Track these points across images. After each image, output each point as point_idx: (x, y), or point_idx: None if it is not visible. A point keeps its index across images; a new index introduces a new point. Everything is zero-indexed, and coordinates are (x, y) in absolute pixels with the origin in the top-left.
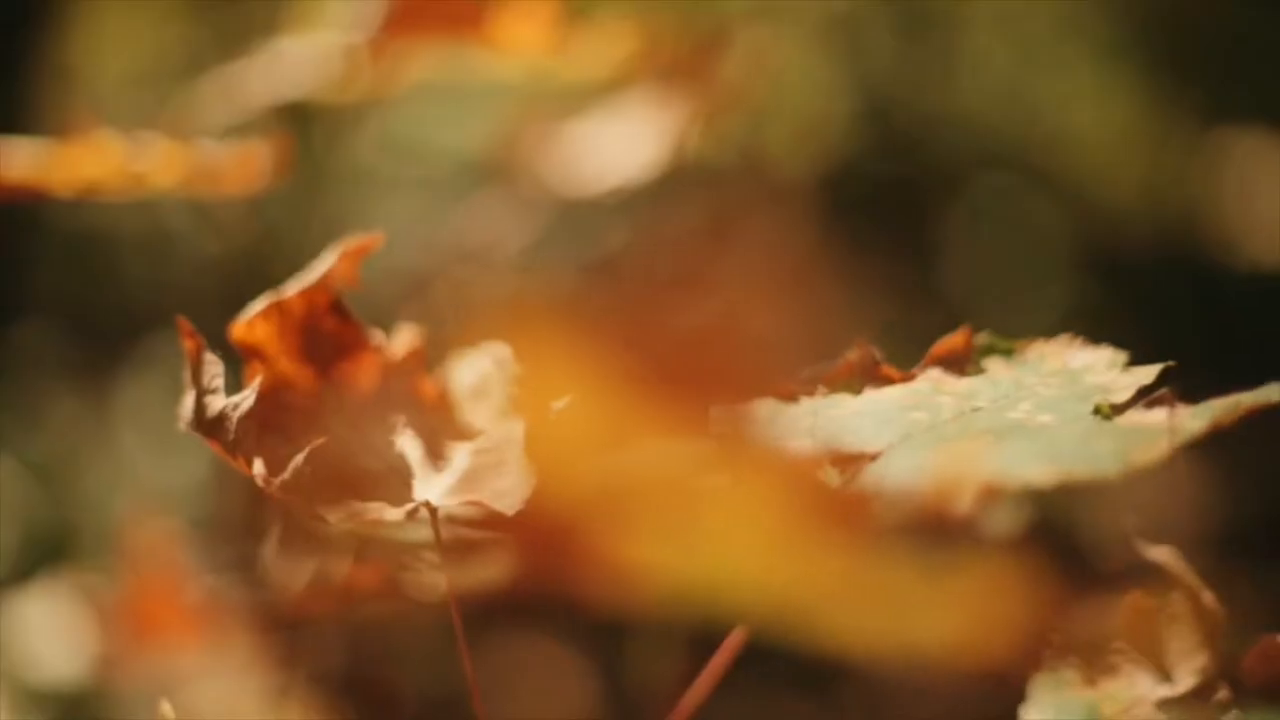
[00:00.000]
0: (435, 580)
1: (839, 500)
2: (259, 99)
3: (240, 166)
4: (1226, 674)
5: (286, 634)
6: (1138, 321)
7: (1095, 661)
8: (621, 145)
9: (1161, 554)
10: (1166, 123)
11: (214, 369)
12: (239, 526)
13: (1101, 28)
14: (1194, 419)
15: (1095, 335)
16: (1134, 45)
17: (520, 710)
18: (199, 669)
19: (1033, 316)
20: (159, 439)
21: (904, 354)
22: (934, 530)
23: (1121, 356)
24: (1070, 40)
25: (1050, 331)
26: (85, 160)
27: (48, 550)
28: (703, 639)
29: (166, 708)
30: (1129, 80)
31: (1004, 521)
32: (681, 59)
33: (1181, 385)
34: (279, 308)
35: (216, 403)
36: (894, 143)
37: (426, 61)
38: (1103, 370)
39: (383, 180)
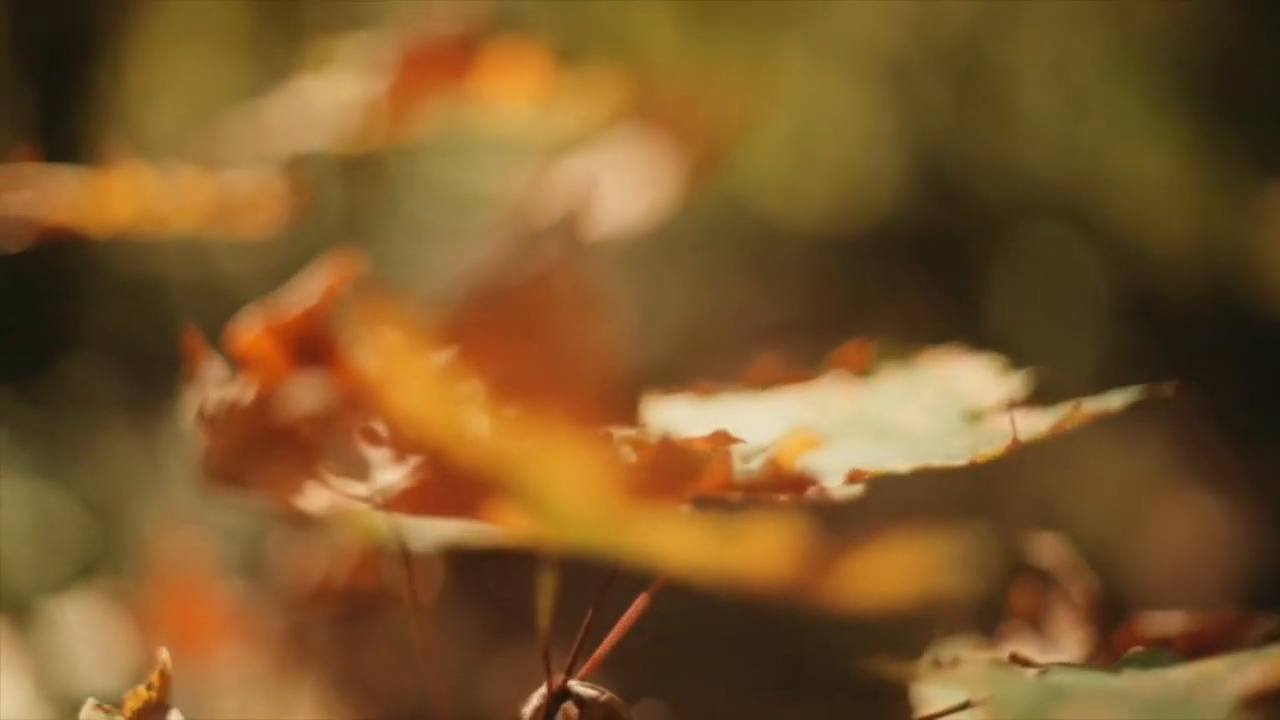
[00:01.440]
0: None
1: (665, 467)
2: (279, 144)
3: (260, 205)
4: (1103, 646)
5: (298, 635)
6: (1183, 367)
7: (991, 631)
8: (615, 194)
9: (1050, 543)
10: (1213, 172)
11: (217, 371)
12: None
13: (1152, 78)
14: (1038, 421)
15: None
16: (1183, 95)
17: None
18: (229, 674)
19: (1077, 362)
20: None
21: None
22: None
23: (1000, 365)
24: (1121, 90)
25: (1096, 377)
26: (118, 192)
27: (95, 577)
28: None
29: (165, 654)
30: (1177, 130)
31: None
32: (672, 107)
33: (1225, 428)
34: (274, 325)
35: (216, 399)
36: (943, 191)
37: (435, 115)
38: (979, 378)
39: (401, 224)
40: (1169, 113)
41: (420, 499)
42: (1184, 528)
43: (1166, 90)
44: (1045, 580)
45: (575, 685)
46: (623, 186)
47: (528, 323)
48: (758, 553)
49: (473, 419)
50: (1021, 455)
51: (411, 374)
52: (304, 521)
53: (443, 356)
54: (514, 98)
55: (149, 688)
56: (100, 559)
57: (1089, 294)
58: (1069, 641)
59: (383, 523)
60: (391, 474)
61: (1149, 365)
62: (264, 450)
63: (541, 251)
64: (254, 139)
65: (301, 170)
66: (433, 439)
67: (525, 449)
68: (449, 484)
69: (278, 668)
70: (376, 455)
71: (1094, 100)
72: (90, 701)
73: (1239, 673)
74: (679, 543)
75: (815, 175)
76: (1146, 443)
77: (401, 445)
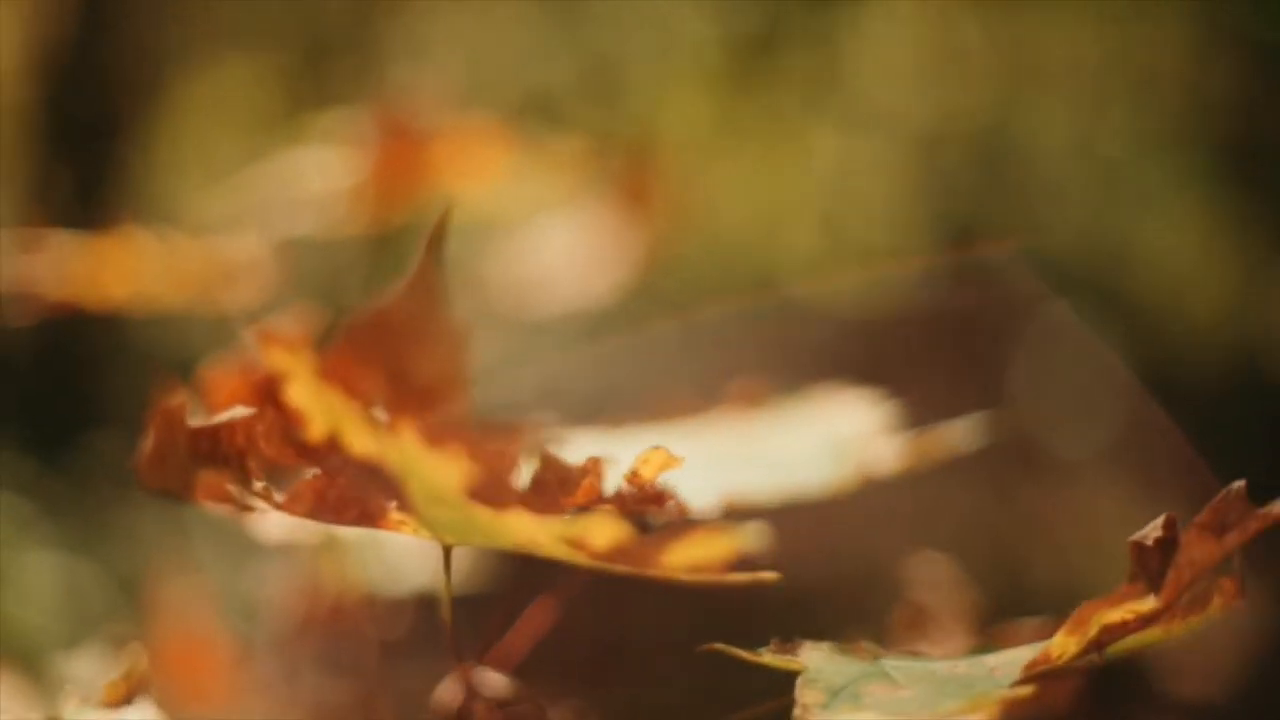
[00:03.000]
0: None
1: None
2: (270, 222)
3: (249, 280)
4: (979, 651)
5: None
6: (1206, 441)
7: (879, 638)
8: (574, 267)
9: (932, 560)
10: (1239, 247)
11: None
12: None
13: (1178, 153)
14: (894, 455)
15: (1160, 454)
16: (1210, 170)
17: None
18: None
19: (1100, 437)
20: (231, 549)
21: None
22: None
23: (877, 401)
24: (1147, 165)
25: (1116, 452)
26: (117, 263)
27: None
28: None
29: (138, 649)
30: (1203, 205)
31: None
32: (629, 179)
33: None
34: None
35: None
36: (970, 269)
37: (413, 198)
38: (855, 413)
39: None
40: (1195, 187)
41: (311, 501)
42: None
43: (1193, 165)
44: (930, 593)
45: (483, 674)
46: (580, 259)
47: (388, 346)
48: (593, 539)
49: (354, 429)
50: (1041, 517)
51: (301, 390)
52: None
53: (326, 374)
54: (480, 176)
55: (125, 678)
56: (128, 632)
57: (1112, 369)
58: (948, 649)
59: (355, 562)
60: (293, 479)
61: (1172, 440)
62: (189, 456)
63: (405, 284)
64: (247, 213)
65: (290, 251)
66: (319, 446)
67: (402, 458)
68: (336, 487)
69: (273, 710)
70: (280, 461)
71: (1120, 175)
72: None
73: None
74: (536, 534)
75: (842, 255)
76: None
77: (297, 452)
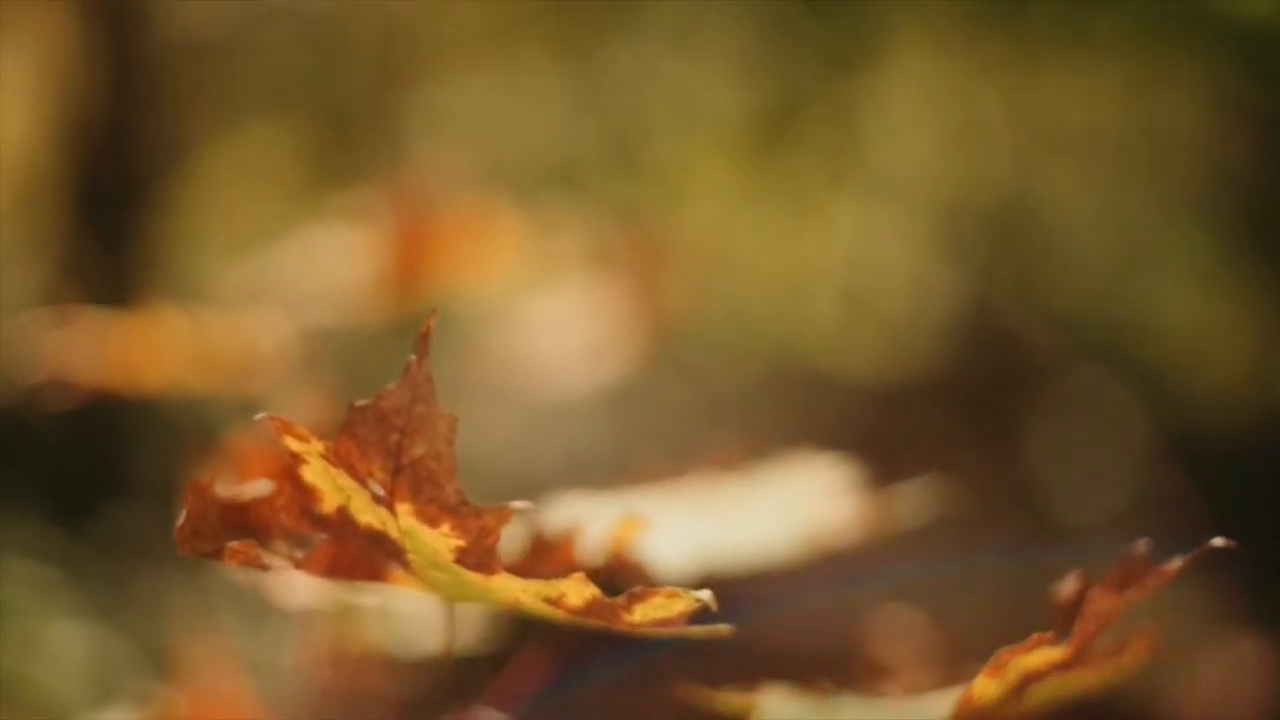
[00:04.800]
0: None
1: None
2: (290, 307)
3: (270, 366)
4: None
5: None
6: (1225, 510)
7: (848, 673)
8: (590, 342)
9: (897, 611)
10: (1256, 313)
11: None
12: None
13: (1198, 220)
14: (857, 519)
15: (1181, 522)
16: (1229, 237)
17: None
18: None
19: (1115, 503)
20: (254, 614)
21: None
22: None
23: (837, 465)
24: (1166, 234)
25: (1133, 517)
26: (147, 350)
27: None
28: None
29: None
30: (1222, 272)
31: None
32: (645, 255)
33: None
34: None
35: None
36: (990, 337)
37: (428, 284)
38: (817, 477)
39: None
40: (1213, 255)
41: (326, 563)
42: (1218, 672)
43: (1211, 233)
44: (896, 638)
45: (484, 713)
46: (586, 339)
47: (385, 434)
48: (569, 599)
49: (360, 504)
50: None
51: (313, 471)
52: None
53: (333, 457)
54: (498, 256)
55: None
56: (153, 696)
57: (1132, 437)
58: (916, 684)
59: (373, 626)
60: (308, 544)
61: (1192, 508)
62: (220, 526)
63: (399, 381)
64: (270, 291)
65: (312, 334)
66: (331, 518)
67: (401, 530)
68: (348, 552)
69: None
70: (298, 530)
71: (1139, 243)
72: None
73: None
74: (519, 594)
75: (864, 324)
76: (1183, 584)
77: (312, 523)
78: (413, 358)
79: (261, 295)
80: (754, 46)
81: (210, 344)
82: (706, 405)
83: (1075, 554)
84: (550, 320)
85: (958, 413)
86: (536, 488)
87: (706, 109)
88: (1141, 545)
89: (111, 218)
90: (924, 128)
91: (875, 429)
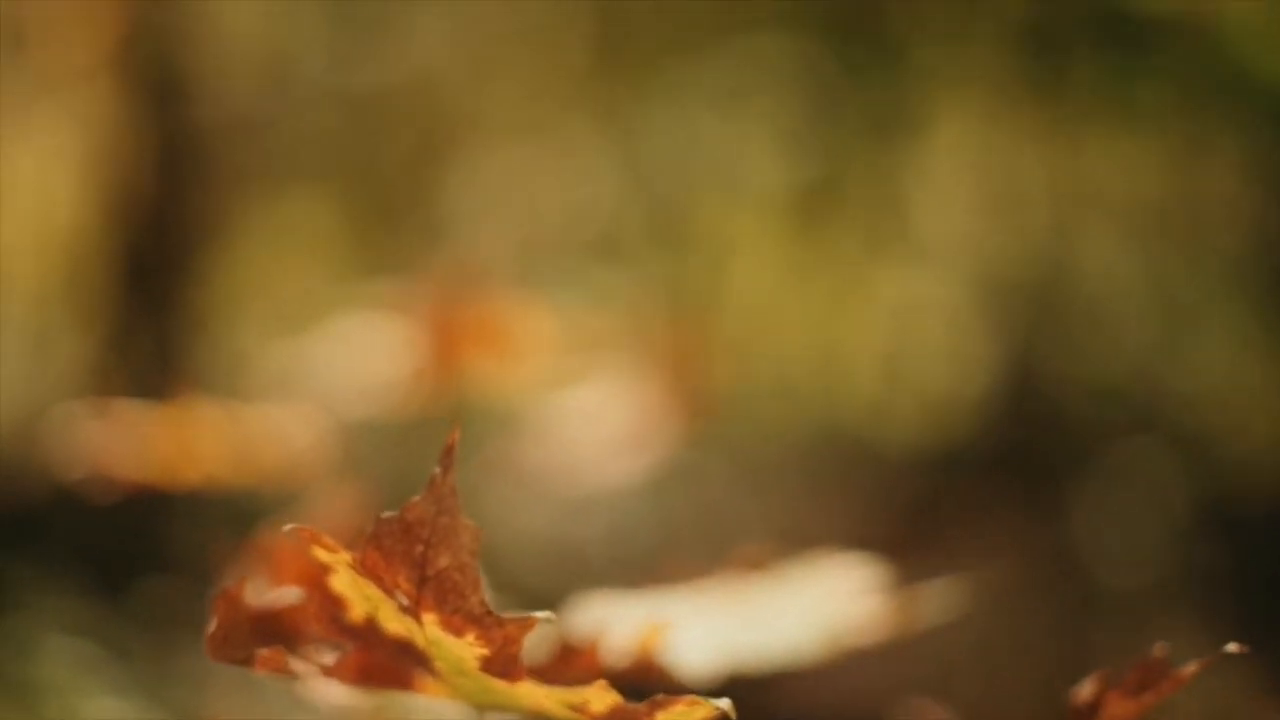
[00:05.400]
0: None
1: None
2: (323, 400)
3: (305, 462)
4: None
5: None
6: (1265, 573)
7: None
8: (612, 436)
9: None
10: None
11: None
12: None
13: (1237, 289)
14: (882, 619)
15: (1220, 589)
16: (1269, 306)
17: None
18: None
19: (1158, 573)
20: (291, 697)
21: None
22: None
23: (865, 564)
24: (1206, 302)
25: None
26: (186, 437)
27: None
28: None
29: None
30: (1263, 339)
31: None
32: (669, 351)
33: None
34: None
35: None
36: (1029, 404)
37: (464, 385)
38: (842, 575)
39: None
40: (1254, 322)
41: (355, 671)
42: None
43: (1251, 300)
44: None
45: None
46: (620, 429)
47: (410, 546)
48: (592, 706)
49: (387, 614)
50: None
51: (341, 580)
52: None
53: (360, 568)
54: (526, 351)
55: None
56: None
57: (1173, 504)
58: None
59: None
60: (337, 652)
61: (1230, 574)
62: (250, 633)
63: (423, 493)
64: (306, 383)
65: (347, 429)
66: (359, 627)
67: (427, 639)
68: (376, 660)
69: None
70: (327, 638)
71: (1179, 311)
72: None
73: None
74: (544, 701)
75: (904, 395)
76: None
77: (341, 631)
78: (437, 470)
79: (298, 387)
80: (797, 116)
81: (247, 440)
82: (746, 481)
83: (1116, 623)
84: (588, 408)
85: (998, 482)
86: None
87: (749, 180)
88: (1159, 649)
89: (155, 292)
90: (966, 197)
91: (916, 500)
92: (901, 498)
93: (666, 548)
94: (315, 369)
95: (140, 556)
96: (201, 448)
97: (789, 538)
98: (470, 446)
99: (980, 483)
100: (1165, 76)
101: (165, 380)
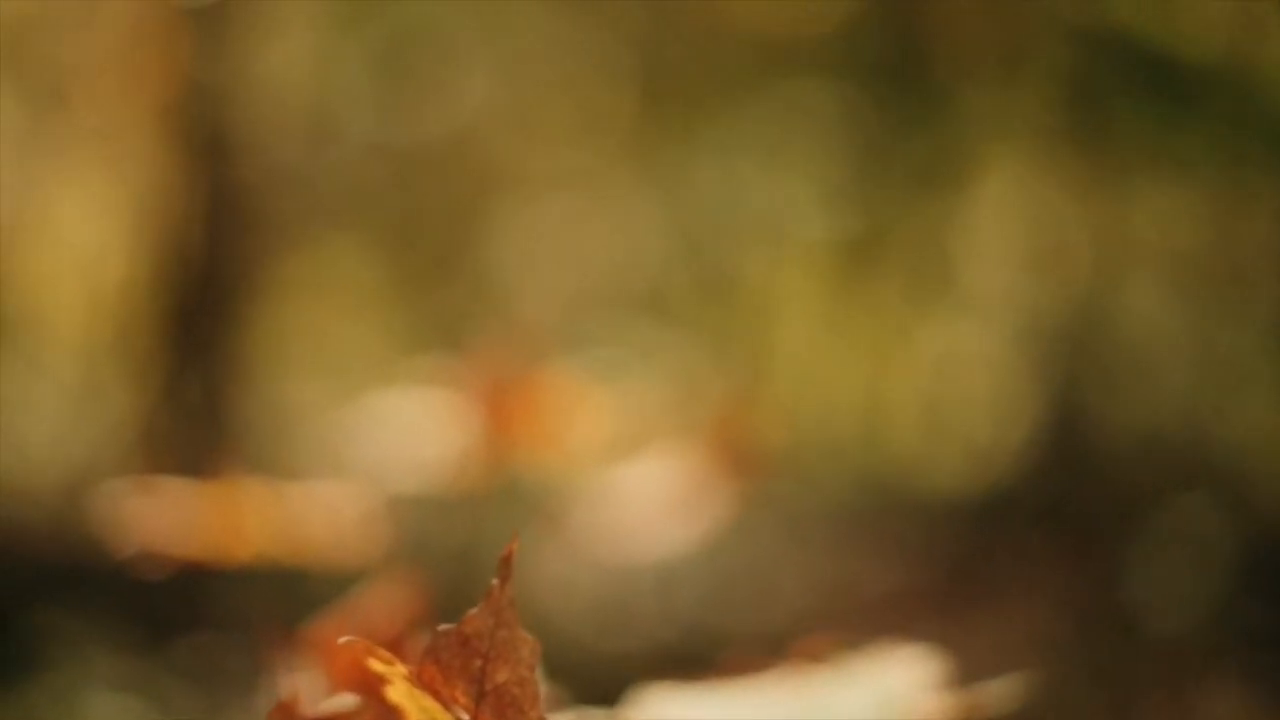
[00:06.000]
0: None
1: None
2: (373, 474)
3: (356, 538)
4: None
5: None
6: None
7: None
8: (664, 516)
9: None
10: None
11: (292, 665)
12: None
13: (1276, 336)
14: (943, 713)
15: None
16: None
17: None
18: None
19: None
20: None
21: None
22: None
23: (925, 657)
24: (1246, 349)
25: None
26: (234, 516)
27: None
28: None
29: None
30: None
31: None
32: (719, 424)
33: None
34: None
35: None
36: (1069, 454)
37: (511, 463)
38: (903, 670)
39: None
40: None
41: None
42: None
43: None
44: None
45: None
46: (673, 497)
47: (468, 659)
48: None
49: None
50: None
51: (397, 691)
52: None
53: (417, 680)
54: (573, 427)
55: None
56: None
57: (1216, 551)
58: None
59: None
60: None
61: (1269, 625)
62: None
63: (481, 606)
64: (354, 461)
65: (396, 509)
66: None
67: None
68: None
69: None
70: None
71: (1220, 359)
72: None
73: None
74: None
75: (948, 445)
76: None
77: None
78: (495, 582)
79: (347, 462)
80: (841, 168)
81: (296, 517)
82: (793, 537)
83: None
84: (641, 477)
85: (1044, 533)
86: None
87: (793, 232)
88: None
89: (201, 345)
90: (1009, 248)
91: (962, 552)
92: (948, 550)
93: (717, 611)
94: (364, 443)
95: (186, 612)
96: (251, 525)
97: (838, 596)
98: (523, 518)
99: (1025, 534)
100: (1208, 127)
101: (210, 433)
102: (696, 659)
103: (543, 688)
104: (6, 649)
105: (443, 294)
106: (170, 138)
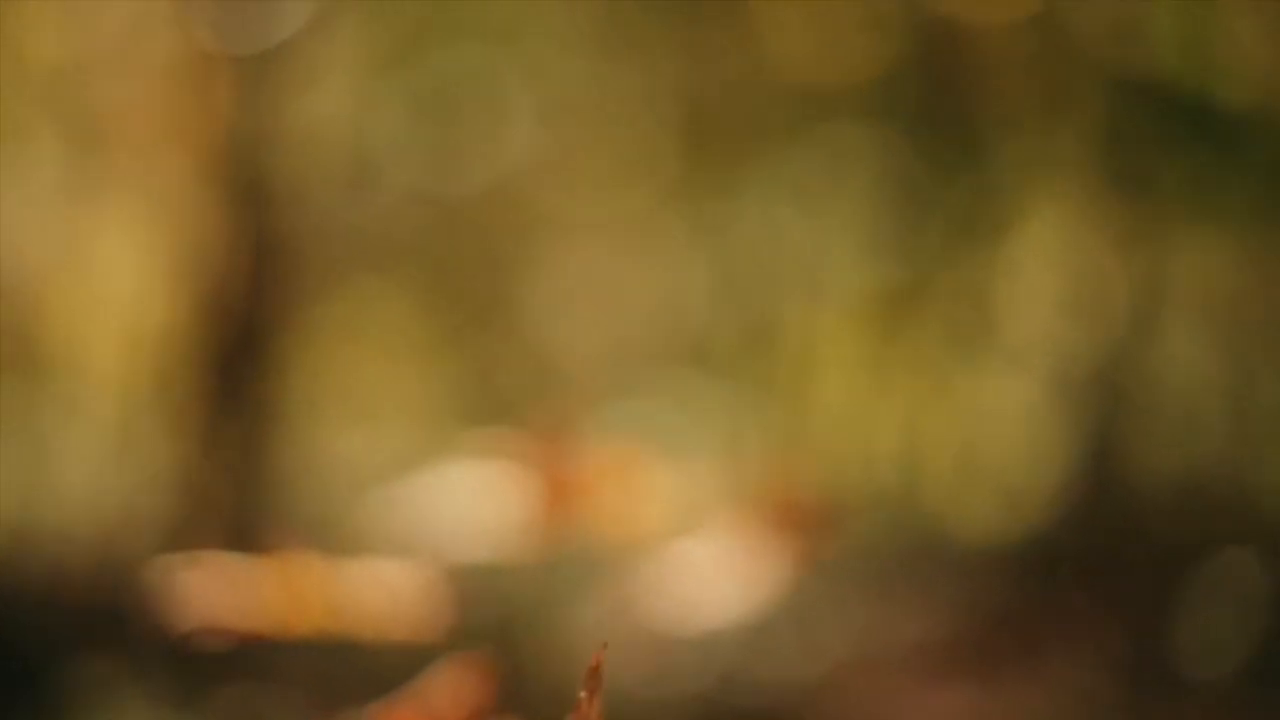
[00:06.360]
0: None
1: None
2: (432, 543)
3: (416, 609)
4: None
5: None
6: None
7: None
8: (721, 586)
9: None
10: None
11: None
12: None
13: None
14: None
15: None
16: None
17: None
18: None
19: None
20: None
21: None
22: None
23: None
24: None
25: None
26: (290, 587)
27: None
28: None
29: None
30: None
31: None
32: (776, 500)
33: None
34: None
35: None
36: (1115, 508)
37: (570, 532)
38: None
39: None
40: None
41: None
42: None
43: None
44: None
45: None
46: (728, 577)
47: None
48: None
49: None
50: None
51: None
52: None
53: None
54: (627, 504)
55: None
56: None
57: (1252, 596)
58: None
59: None
60: None
61: None
62: None
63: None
64: (407, 531)
65: (458, 577)
66: None
67: None
68: None
69: None
70: None
71: (1256, 405)
72: None
73: None
74: None
75: (987, 494)
76: None
77: None
78: (583, 694)
79: (405, 537)
80: (882, 214)
81: (355, 593)
82: (839, 591)
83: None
84: (700, 551)
85: (1083, 583)
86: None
87: (833, 280)
88: None
89: (242, 392)
90: (1049, 297)
91: (1002, 603)
92: (986, 600)
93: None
94: (422, 515)
95: (225, 663)
96: (310, 600)
97: (876, 646)
98: (583, 593)
99: (1065, 584)
100: (1247, 174)
101: (249, 480)
102: (738, 711)
103: None
104: (43, 697)
105: (483, 341)
106: (211, 184)
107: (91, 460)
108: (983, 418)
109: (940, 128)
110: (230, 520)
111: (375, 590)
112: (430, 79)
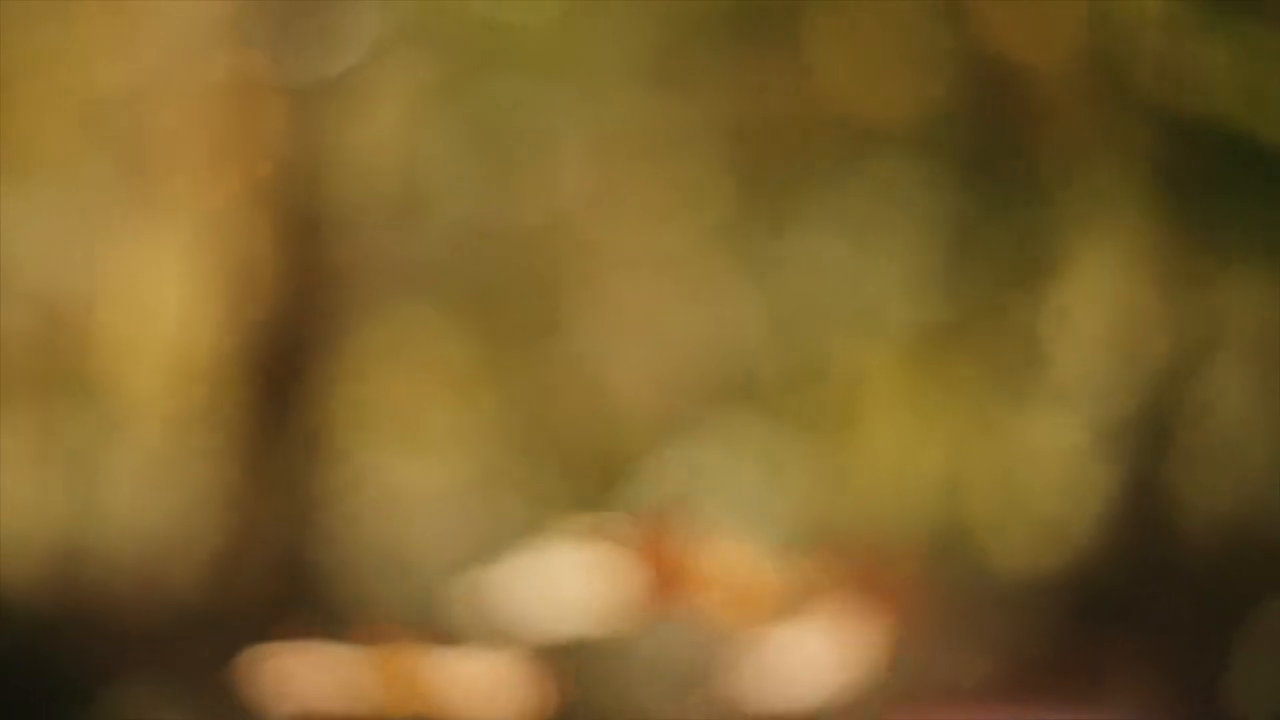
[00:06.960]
0: None
1: None
2: (525, 624)
3: (512, 692)
4: None
5: None
6: None
7: None
8: (810, 664)
9: None
10: None
11: None
12: None
13: None
14: None
15: None
16: None
17: None
18: None
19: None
20: None
21: None
22: None
23: None
24: None
25: None
26: (383, 673)
27: None
28: None
29: None
30: None
31: None
32: (868, 576)
33: None
34: None
35: None
36: (1159, 552)
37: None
38: None
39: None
40: None
41: None
42: None
43: None
44: None
45: None
46: (824, 658)
47: None
48: None
49: None
50: None
51: None
52: None
53: None
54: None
55: None
56: None
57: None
58: None
59: None
60: None
61: None
62: None
63: None
64: (496, 615)
65: (557, 656)
66: None
67: None
68: None
69: None
70: None
71: None
72: None
73: None
74: None
75: (1030, 534)
76: None
77: None
78: None
79: (501, 623)
80: (931, 252)
81: (452, 681)
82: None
83: None
84: (798, 637)
85: (1127, 625)
86: None
87: (881, 317)
88: None
89: (288, 418)
90: (1098, 336)
91: (1046, 643)
92: (1030, 642)
93: None
94: (518, 605)
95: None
96: (407, 688)
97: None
98: (685, 678)
99: (1109, 627)
100: None
101: (294, 506)
102: None
103: None
104: None
105: (532, 373)
106: (262, 210)
107: (139, 485)
108: (1031, 456)
109: (991, 165)
110: (276, 546)
111: (474, 675)
112: (482, 110)
